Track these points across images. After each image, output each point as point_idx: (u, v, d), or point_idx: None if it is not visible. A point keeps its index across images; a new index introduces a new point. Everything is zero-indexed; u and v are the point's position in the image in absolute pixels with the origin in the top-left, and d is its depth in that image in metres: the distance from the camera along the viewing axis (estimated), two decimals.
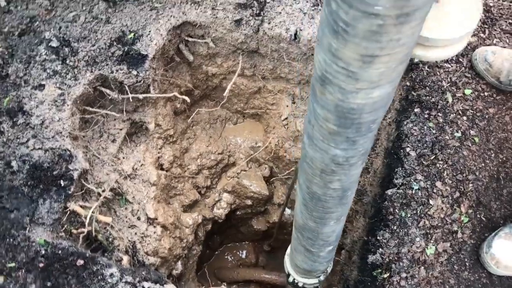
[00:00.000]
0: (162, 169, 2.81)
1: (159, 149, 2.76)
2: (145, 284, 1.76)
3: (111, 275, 1.78)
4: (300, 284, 2.03)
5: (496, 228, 1.87)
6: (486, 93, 2.07)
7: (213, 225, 3.28)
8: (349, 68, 0.82)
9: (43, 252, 1.86)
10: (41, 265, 1.82)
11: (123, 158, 2.57)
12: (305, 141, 1.14)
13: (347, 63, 0.81)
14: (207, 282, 3.80)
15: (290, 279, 2.04)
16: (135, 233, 2.44)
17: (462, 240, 1.85)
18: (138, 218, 2.48)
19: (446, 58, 1.02)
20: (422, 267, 1.77)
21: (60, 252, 1.86)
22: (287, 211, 3.36)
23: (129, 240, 2.40)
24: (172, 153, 2.80)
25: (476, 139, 1.99)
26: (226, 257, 4.03)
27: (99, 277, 1.78)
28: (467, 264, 1.82)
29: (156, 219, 2.53)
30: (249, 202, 3.23)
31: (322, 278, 1.98)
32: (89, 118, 2.38)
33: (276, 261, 4.11)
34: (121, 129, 2.53)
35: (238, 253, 4.05)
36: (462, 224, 1.87)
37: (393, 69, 0.83)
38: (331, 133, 1.01)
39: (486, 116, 2.04)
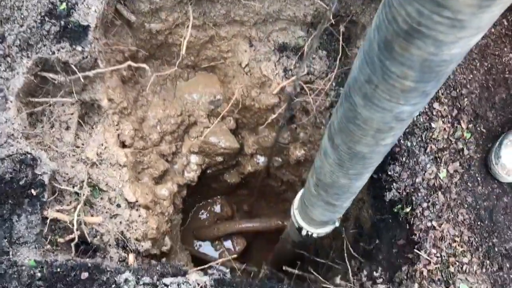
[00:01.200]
0: (124, 146, 2.56)
1: (117, 125, 2.50)
2: (166, 280, 1.61)
3: (126, 280, 1.61)
4: (314, 235, 1.96)
5: (497, 136, 1.87)
6: None
7: (187, 189, 3.12)
8: (457, 17, 0.68)
9: (39, 274, 1.63)
10: None
11: (83, 145, 2.30)
12: (359, 103, 0.99)
13: (456, 12, 0.67)
14: (191, 246, 3.69)
15: (303, 233, 1.96)
16: (120, 222, 2.24)
17: (469, 156, 1.84)
18: (118, 206, 2.27)
19: None
20: (440, 193, 1.76)
21: (58, 269, 1.65)
22: (260, 159, 3.26)
23: (116, 232, 2.20)
24: (132, 127, 2.56)
25: None
26: (201, 216, 3.91)
27: (113, 286, 1.60)
28: (478, 179, 1.82)
29: (137, 201, 2.33)
30: (219, 158, 3.08)
31: (337, 224, 1.92)
32: (35, 110, 2.08)
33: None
34: (72, 114, 2.24)
35: (212, 209, 3.94)
36: (466, 140, 1.85)
37: (504, 9, 0.70)
38: (404, 91, 0.88)
39: None
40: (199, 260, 3.59)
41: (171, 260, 2.92)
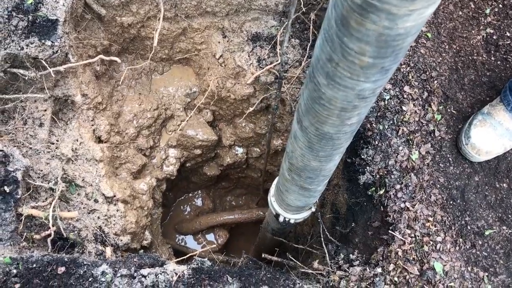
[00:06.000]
0: (100, 141, 2.55)
1: (92, 121, 2.48)
2: (143, 271, 1.61)
3: (103, 273, 1.60)
4: (292, 221, 1.98)
5: (467, 117, 1.90)
6: None
7: (167, 183, 3.11)
8: None
9: (14, 271, 1.62)
10: (17, 286, 1.59)
11: (57, 141, 2.27)
12: (322, 82, 1.01)
13: None
14: (173, 241, 3.68)
15: (281, 219, 1.98)
16: (98, 217, 2.23)
17: (440, 137, 1.87)
18: (96, 201, 2.25)
19: None
20: (412, 174, 1.78)
21: (34, 265, 1.63)
22: (238, 150, 3.26)
23: (94, 227, 2.19)
24: (107, 122, 2.54)
25: (429, 35, 1.97)
26: (183, 210, 3.91)
27: (90, 280, 1.59)
28: (450, 159, 1.85)
29: (115, 196, 2.32)
30: (198, 151, 3.08)
31: (313, 209, 1.94)
32: (6, 107, 2.05)
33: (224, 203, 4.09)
34: (45, 110, 2.22)
35: (193, 203, 3.93)
36: (437, 122, 1.88)
37: None
38: (364, 67, 0.89)
39: None
40: (181, 254, 3.59)
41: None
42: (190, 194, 3.93)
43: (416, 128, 1.86)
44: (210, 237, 3.82)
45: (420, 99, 1.89)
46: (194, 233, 3.76)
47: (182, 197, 3.93)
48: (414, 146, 1.83)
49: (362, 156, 1.84)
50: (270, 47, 2.47)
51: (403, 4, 0.72)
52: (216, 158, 3.42)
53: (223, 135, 3.16)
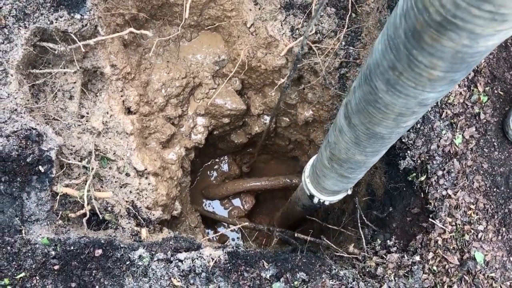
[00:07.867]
0: (130, 112, 2.51)
1: (121, 91, 2.44)
2: (180, 255, 1.60)
3: (140, 257, 1.60)
4: (326, 203, 1.94)
5: None
6: None
7: (195, 151, 3.09)
8: (500, 11, 0.61)
9: (52, 253, 1.63)
10: (56, 267, 1.61)
11: (87, 114, 2.25)
12: (380, 88, 0.94)
13: (499, 6, 0.61)
14: (200, 206, 3.70)
15: (315, 200, 1.94)
16: (130, 191, 2.23)
17: (485, 120, 1.78)
18: (127, 175, 2.25)
19: None
20: (455, 159, 1.71)
21: (72, 247, 1.64)
22: (267, 119, 3.20)
23: (126, 201, 2.19)
24: (136, 92, 2.49)
25: None
26: (209, 175, 3.91)
27: (127, 263, 1.60)
28: (495, 144, 1.77)
29: (146, 169, 2.31)
30: (226, 120, 3.03)
31: (349, 192, 1.90)
32: (37, 82, 2.01)
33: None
34: (74, 82, 2.17)
35: (220, 168, 3.92)
36: (483, 104, 1.79)
37: None
38: (431, 80, 0.82)
39: None
40: (209, 220, 3.61)
41: (182, 223, 2.93)
42: (217, 160, 3.92)
43: (461, 110, 1.77)
44: (237, 202, 3.83)
45: (466, 79, 1.79)
46: (221, 198, 3.77)
47: (209, 163, 3.92)
48: (457, 130, 1.75)
49: (403, 140, 1.77)
50: (304, 16, 2.35)
51: (491, 25, 0.64)
52: (244, 126, 3.36)
53: (252, 104, 3.09)
